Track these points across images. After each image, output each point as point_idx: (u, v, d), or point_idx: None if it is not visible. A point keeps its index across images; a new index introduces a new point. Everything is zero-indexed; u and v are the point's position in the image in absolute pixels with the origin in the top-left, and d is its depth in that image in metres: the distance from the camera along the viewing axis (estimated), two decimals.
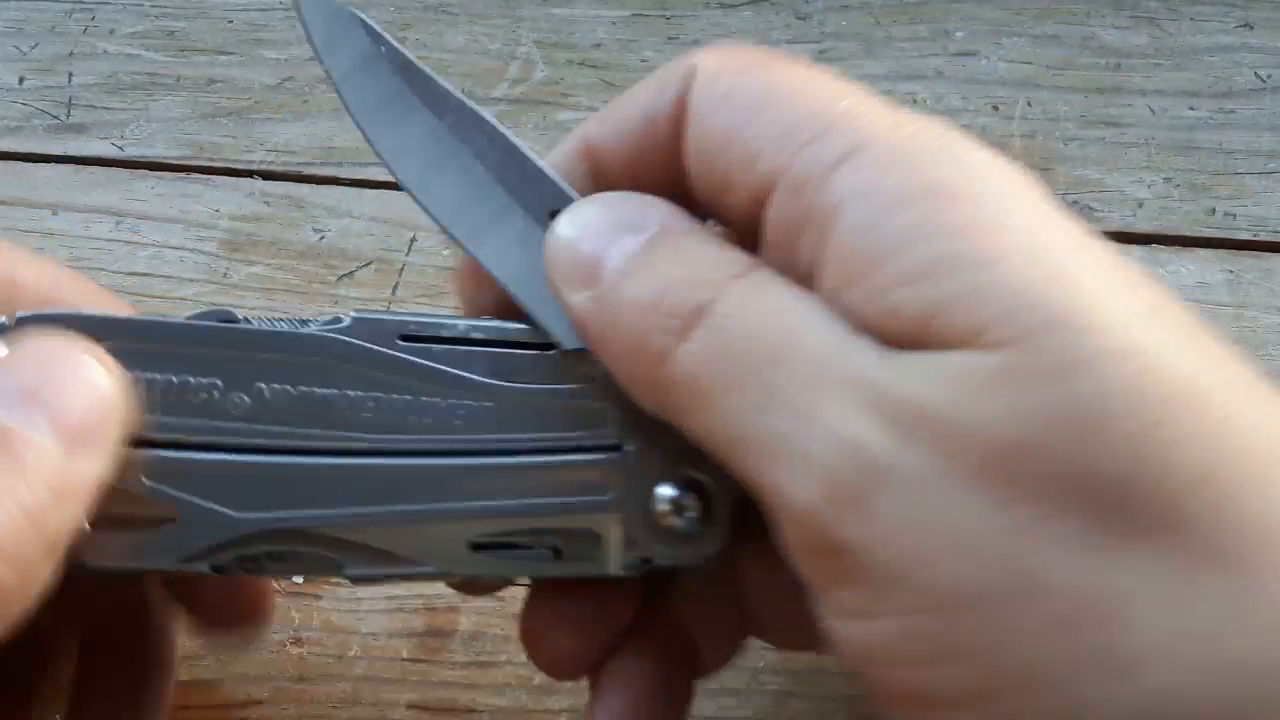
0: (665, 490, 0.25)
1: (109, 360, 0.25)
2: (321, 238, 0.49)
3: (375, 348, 0.26)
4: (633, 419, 0.25)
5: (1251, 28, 0.55)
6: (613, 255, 0.23)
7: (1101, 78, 0.54)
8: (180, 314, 0.27)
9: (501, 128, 0.27)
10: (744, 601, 0.30)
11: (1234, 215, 0.50)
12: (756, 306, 0.22)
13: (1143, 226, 0.49)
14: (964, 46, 0.55)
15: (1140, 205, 0.50)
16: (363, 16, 0.27)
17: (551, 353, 0.26)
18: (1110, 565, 0.19)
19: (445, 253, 0.48)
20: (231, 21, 0.56)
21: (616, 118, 0.26)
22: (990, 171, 0.22)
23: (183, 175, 0.50)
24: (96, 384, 0.24)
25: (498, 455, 0.25)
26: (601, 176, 0.26)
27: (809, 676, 0.38)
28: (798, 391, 0.21)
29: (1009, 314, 0.20)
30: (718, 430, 0.22)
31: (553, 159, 0.27)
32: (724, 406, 0.21)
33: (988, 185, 0.21)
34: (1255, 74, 0.54)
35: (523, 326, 0.26)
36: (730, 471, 0.22)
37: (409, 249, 0.48)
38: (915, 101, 0.53)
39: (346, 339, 0.26)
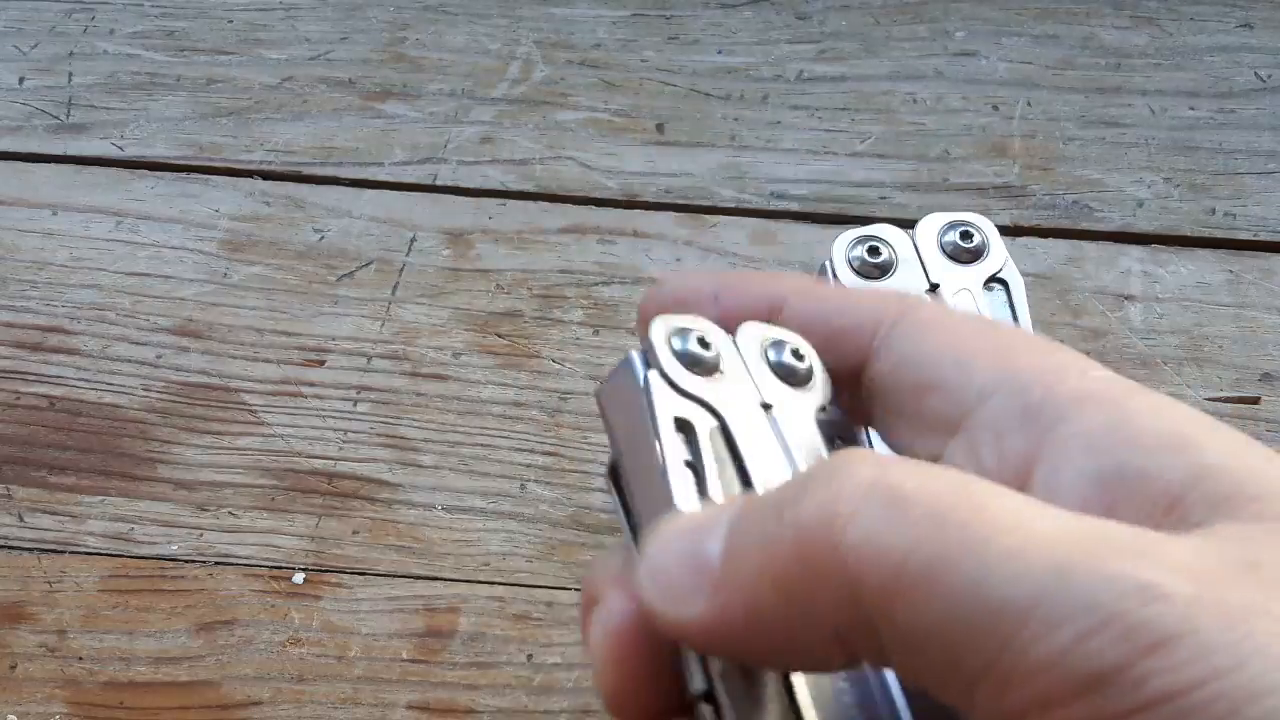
0: None
1: None
2: (321, 238, 0.49)
3: None
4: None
5: (1251, 28, 0.55)
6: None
7: (1101, 78, 0.54)
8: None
9: None
10: None
11: (1234, 215, 0.50)
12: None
13: (1143, 226, 0.49)
14: (964, 46, 0.55)
15: (1140, 205, 0.50)
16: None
17: None
18: None
19: (445, 252, 0.48)
20: (231, 21, 0.56)
21: (823, 306, 0.26)
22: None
23: (183, 175, 0.50)
24: None
25: None
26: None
27: None
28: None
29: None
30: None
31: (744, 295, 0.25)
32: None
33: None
34: (1255, 74, 0.54)
35: None
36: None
37: (409, 249, 0.48)
38: (915, 101, 0.53)
39: None
